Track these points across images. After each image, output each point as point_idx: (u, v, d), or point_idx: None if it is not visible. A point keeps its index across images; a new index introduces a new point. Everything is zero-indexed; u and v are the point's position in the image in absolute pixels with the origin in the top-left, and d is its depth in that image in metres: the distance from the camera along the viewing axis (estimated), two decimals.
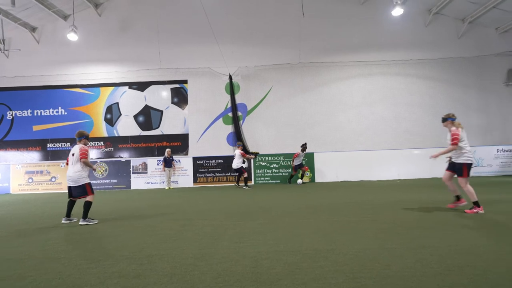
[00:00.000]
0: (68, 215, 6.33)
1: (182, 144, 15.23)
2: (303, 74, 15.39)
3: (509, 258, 3.43)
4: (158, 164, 14.15)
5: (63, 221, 6.29)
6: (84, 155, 6.15)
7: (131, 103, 15.43)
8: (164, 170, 13.67)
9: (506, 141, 14.88)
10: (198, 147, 15.14)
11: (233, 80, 15.14)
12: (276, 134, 15.22)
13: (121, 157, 14.91)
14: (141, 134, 15.31)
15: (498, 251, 3.68)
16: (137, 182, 14.28)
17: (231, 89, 15.07)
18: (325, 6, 15.21)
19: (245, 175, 12.37)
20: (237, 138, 14.73)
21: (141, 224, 5.98)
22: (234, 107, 15.05)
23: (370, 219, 5.67)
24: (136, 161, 14.39)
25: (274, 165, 14.41)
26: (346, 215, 6.21)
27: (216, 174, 14.36)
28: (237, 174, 12.73)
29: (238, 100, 15.25)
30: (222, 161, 14.38)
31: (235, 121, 14.99)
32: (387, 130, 14.99)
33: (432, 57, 15.26)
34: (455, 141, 5.89)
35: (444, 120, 6.17)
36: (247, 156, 12.81)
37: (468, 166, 5.98)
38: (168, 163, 13.68)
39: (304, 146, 13.33)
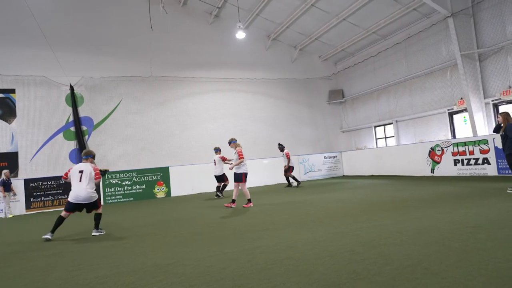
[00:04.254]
0: (53, 231, 6.32)
1: (9, 164, 12.82)
2: (156, 88, 15.18)
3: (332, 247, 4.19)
4: None
5: (47, 237, 6.21)
6: (99, 176, 6.66)
7: None
8: (5, 196, 11.26)
9: (330, 149, 18.06)
10: (31, 168, 13.01)
11: (75, 91, 13.71)
12: (128, 149, 14.46)
13: None
14: None
15: (313, 241, 4.45)
16: None
17: (73, 101, 13.61)
18: (174, 22, 15.45)
19: (227, 182, 11.73)
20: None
21: None
22: (77, 120, 13.61)
23: (215, 229, 6.02)
24: None
25: (127, 182, 13.61)
26: (194, 227, 6.41)
27: (56, 197, 12.60)
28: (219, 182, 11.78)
29: (82, 113, 13.88)
30: (64, 181, 12.69)
31: (79, 137, 13.56)
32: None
33: (273, 77, 17.34)
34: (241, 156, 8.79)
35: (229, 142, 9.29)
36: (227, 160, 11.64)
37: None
38: (7, 186, 11.34)
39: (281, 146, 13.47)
